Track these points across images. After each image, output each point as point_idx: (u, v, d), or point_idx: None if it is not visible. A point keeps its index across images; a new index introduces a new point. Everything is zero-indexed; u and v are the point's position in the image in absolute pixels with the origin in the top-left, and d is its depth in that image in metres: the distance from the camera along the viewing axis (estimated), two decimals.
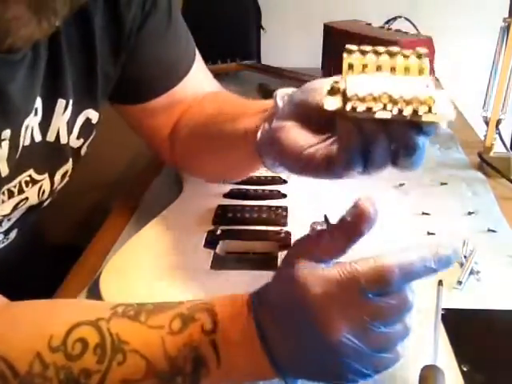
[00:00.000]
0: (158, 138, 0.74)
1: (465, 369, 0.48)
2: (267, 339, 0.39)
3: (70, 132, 0.61)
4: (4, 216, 0.57)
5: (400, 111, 0.41)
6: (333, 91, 0.43)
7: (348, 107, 0.41)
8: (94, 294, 0.56)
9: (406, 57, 0.43)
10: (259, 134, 0.53)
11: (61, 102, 0.58)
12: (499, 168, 0.84)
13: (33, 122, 0.55)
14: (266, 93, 1.21)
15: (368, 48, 0.44)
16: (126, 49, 0.63)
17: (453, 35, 1.66)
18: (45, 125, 0.57)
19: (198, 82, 0.73)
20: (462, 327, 0.54)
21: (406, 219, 0.72)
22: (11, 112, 0.51)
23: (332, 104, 0.43)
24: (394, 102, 0.41)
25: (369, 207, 0.39)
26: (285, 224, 0.65)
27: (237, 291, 0.54)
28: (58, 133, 0.59)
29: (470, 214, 0.74)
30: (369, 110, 0.41)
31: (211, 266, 0.58)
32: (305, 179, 0.76)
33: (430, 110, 0.41)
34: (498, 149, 0.88)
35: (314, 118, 0.48)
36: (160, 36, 0.66)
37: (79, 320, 0.42)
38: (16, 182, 0.56)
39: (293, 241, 0.62)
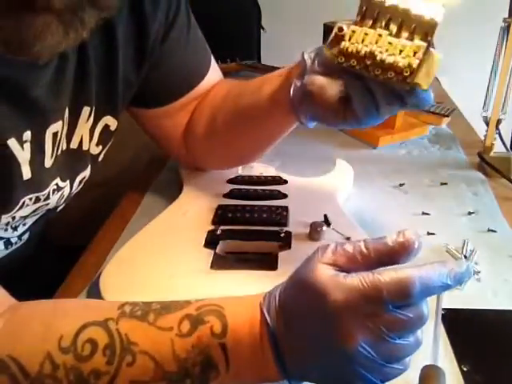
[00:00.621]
0: (173, 137, 0.75)
1: (465, 369, 0.48)
2: (278, 344, 0.39)
3: (91, 139, 0.61)
4: (22, 217, 0.58)
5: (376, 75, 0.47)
6: (335, 39, 0.51)
7: (336, 61, 0.50)
8: (94, 293, 0.56)
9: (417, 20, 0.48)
10: (292, 91, 0.57)
11: (86, 110, 0.59)
12: (499, 168, 0.83)
13: (61, 130, 0.56)
14: None
15: (390, 3, 0.48)
16: (149, 59, 0.64)
17: (453, 35, 1.66)
18: (69, 132, 0.58)
19: (213, 79, 0.74)
20: (462, 327, 0.54)
21: (406, 219, 0.72)
22: (34, 115, 0.51)
23: (328, 53, 0.51)
24: (376, 65, 0.47)
25: (415, 239, 0.39)
26: (285, 224, 0.65)
27: (237, 291, 0.54)
28: (81, 140, 0.60)
29: (470, 214, 0.74)
30: (352, 66, 0.48)
31: (211, 266, 0.58)
32: (304, 179, 0.76)
33: (404, 79, 0.47)
34: (498, 149, 0.88)
35: (338, 68, 0.53)
36: (183, 42, 0.68)
37: (88, 320, 0.42)
38: (46, 191, 0.57)
39: (293, 241, 0.62)
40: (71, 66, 0.54)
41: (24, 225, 0.62)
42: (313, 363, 0.39)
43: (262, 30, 1.58)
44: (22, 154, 0.51)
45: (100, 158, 0.65)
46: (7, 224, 0.57)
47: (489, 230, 0.70)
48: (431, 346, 0.48)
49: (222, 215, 0.67)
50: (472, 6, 1.68)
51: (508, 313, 0.56)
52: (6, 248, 0.64)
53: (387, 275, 0.37)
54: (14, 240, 0.64)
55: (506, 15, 0.82)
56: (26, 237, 0.66)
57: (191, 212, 0.69)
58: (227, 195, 0.72)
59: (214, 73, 0.75)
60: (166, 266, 0.58)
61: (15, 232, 0.62)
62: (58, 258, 0.79)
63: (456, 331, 0.52)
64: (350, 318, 0.37)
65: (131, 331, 0.41)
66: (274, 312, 0.40)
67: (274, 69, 1.37)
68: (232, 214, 0.67)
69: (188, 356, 0.40)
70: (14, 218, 0.56)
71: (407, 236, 0.39)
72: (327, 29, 1.35)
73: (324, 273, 0.38)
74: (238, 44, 1.53)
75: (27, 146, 0.52)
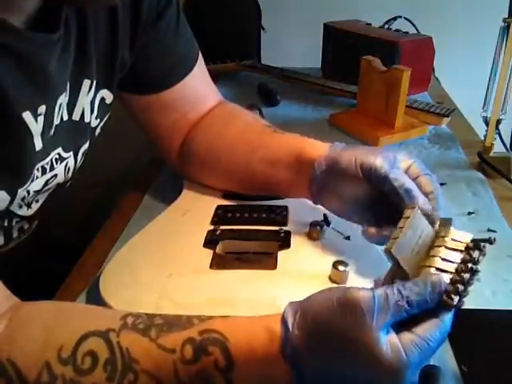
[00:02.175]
0: (167, 140, 0.76)
1: (465, 369, 0.48)
2: (305, 377, 0.39)
3: (92, 111, 0.63)
4: (36, 192, 0.59)
5: None
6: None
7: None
8: (94, 293, 0.56)
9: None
10: (308, 193, 0.62)
11: (86, 82, 0.60)
12: (499, 168, 0.83)
13: (64, 101, 0.57)
14: (266, 93, 1.21)
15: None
16: (141, 38, 0.65)
17: (453, 35, 1.66)
18: (71, 104, 0.59)
19: (202, 83, 0.75)
20: (462, 327, 0.54)
21: None
22: (48, 89, 0.53)
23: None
24: None
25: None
26: (285, 224, 0.65)
27: (236, 291, 0.54)
28: (82, 112, 0.61)
29: (469, 214, 0.74)
30: None
31: (210, 266, 0.58)
32: None
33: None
34: (498, 149, 0.88)
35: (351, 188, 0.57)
36: (171, 32, 0.69)
37: (89, 329, 0.41)
38: (48, 159, 0.58)
39: (292, 240, 0.62)
40: (73, 38, 0.56)
41: (37, 201, 0.63)
42: None
43: (262, 30, 1.58)
44: (36, 126, 0.52)
45: (97, 132, 0.66)
46: (23, 199, 0.58)
47: (489, 230, 0.70)
48: None
49: (221, 215, 0.67)
50: (471, 6, 1.68)
51: (507, 313, 0.56)
52: (19, 236, 0.65)
53: (433, 334, 0.40)
54: (26, 226, 0.65)
55: (506, 15, 0.82)
56: (35, 224, 0.67)
57: (191, 212, 0.69)
58: (227, 195, 0.72)
59: (204, 79, 0.76)
60: (166, 266, 0.58)
61: (29, 210, 0.62)
62: (58, 258, 0.79)
63: (455, 331, 0.52)
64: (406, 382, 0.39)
65: (132, 346, 0.41)
66: (303, 362, 0.39)
67: (273, 69, 1.37)
68: (231, 213, 0.67)
69: (191, 381, 0.40)
70: (28, 192, 0.57)
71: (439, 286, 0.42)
72: (327, 29, 1.36)
73: (382, 342, 0.38)
74: (238, 44, 1.52)
75: (41, 118, 0.53)
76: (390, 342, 0.38)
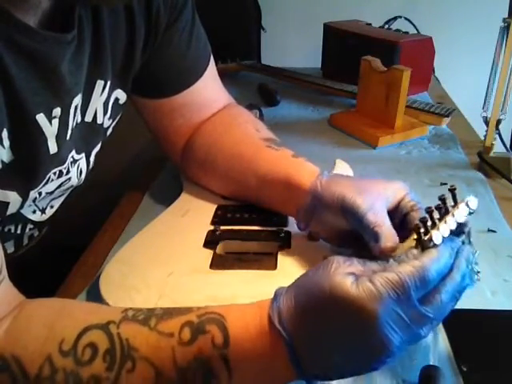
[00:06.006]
0: (171, 141, 0.76)
1: (465, 369, 0.48)
2: (297, 354, 0.39)
3: (105, 112, 0.62)
4: (48, 194, 0.59)
5: None
6: None
7: None
8: (94, 293, 0.56)
9: None
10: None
11: (99, 83, 0.59)
12: (499, 168, 0.84)
13: (79, 102, 0.57)
14: (266, 93, 1.22)
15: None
16: (154, 40, 0.65)
17: (453, 35, 1.66)
18: (84, 105, 0.59)
19: (211, 87, 0.75)
20: (462, 327, 0.54)
21: None
22: (62, 91, 0.52)
23: None
24: None
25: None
26: (285, 224, 0.65)
27: (236, 291, 0.54)
28: (95, 113, 0.61)
29: (469, 214, 0.73)
30: None
31: (211, 266, 0.58)
32: None
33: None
34: (498, 149, 0.88)
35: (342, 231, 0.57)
36: (186, 35, 0.68)
37: (90, 323, 0.42)
38: (66, 164, 0.58)
39: (292, 241, 0.62)
40: (88, 39, 0.55)
41: (52, 207, 0.62)
42: (337, 366, 0.40)
43: (261, 30, 1.58)
44: (50, 129, 0.52)
45: (108, 133, 0.66)
46: (34, 201, 0.58)
47: (489, 230, 0.70)
48: (431, 346, 0.48)
49: (221, 215, 0.67)
50: (471, 6, 1.68)
51: (507, 313, 0.56)
52: (28, 244, 0.65)
53: (406, 269, 0.38)
54: (36, 233, 0.65)
55: (506, 15, 0.82)
56: (44, 231, 0.67)
57: (191, 212, 0.69)
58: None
59: (215, 85, 0.76)
60: (166, 266, 0.58)
61: (43, 215, 0.62)
62: (58, 258, 0.79)
63: (455, 331, 0.52)
64: (385, 325, 0.37)
65: (132, 336, 0.41)
66: (288, 324, 0.39)
67: (273, 69, 1.37)
68: (231, 214, 0.67)
69: (189, 366, 0.40)
70: (40, 193, 0.57)
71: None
72: (327, 29, 1.36)
73: (349, 283, 0.38)
74: (238, 44, 1.53)
75: (55, 121, 0.52)
76: (358, 281, 0.38)
